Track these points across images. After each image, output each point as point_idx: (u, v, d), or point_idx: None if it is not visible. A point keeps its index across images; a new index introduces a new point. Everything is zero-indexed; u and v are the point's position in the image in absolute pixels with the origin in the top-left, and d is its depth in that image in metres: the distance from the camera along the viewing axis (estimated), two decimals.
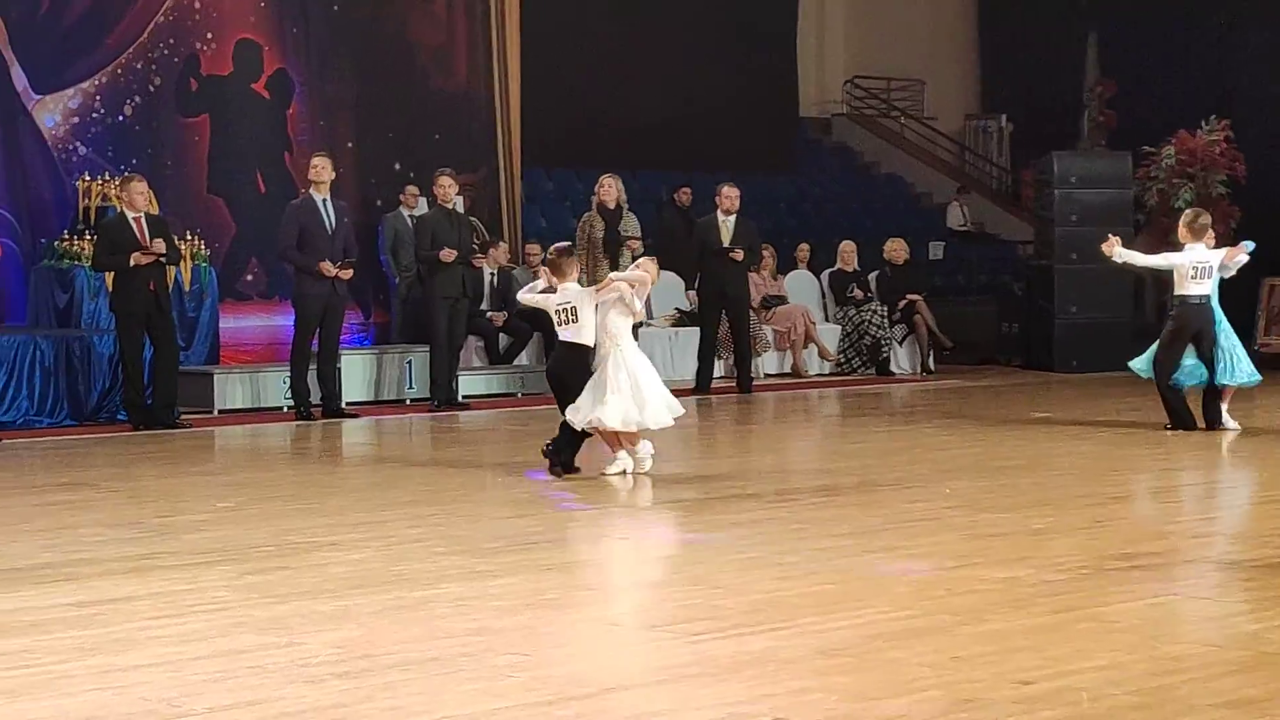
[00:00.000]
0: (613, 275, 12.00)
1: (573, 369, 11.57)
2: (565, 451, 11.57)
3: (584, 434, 11.54)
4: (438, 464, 13.07)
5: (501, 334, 19.44)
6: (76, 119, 18.01)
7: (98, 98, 18.14)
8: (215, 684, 5.92)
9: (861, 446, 13.93)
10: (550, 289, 11.77)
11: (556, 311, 11.59)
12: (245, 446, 14.60)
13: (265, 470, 12.95)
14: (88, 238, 16.69)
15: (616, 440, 11.55)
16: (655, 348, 20.30)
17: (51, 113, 17.92)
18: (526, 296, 11.98)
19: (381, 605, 7.25)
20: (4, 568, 8.33)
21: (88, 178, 17.50)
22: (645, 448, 11.59)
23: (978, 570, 7.96)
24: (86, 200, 17.39)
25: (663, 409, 11.51)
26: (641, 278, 11.74)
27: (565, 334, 11.61)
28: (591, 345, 11.57)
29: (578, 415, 11.37)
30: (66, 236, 17.03)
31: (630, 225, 18.07)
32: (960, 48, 32.09)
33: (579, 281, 11.89)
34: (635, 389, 11.37)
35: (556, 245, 12.36)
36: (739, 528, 9.29)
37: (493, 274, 19.58)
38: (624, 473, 11.48)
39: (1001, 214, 30.27)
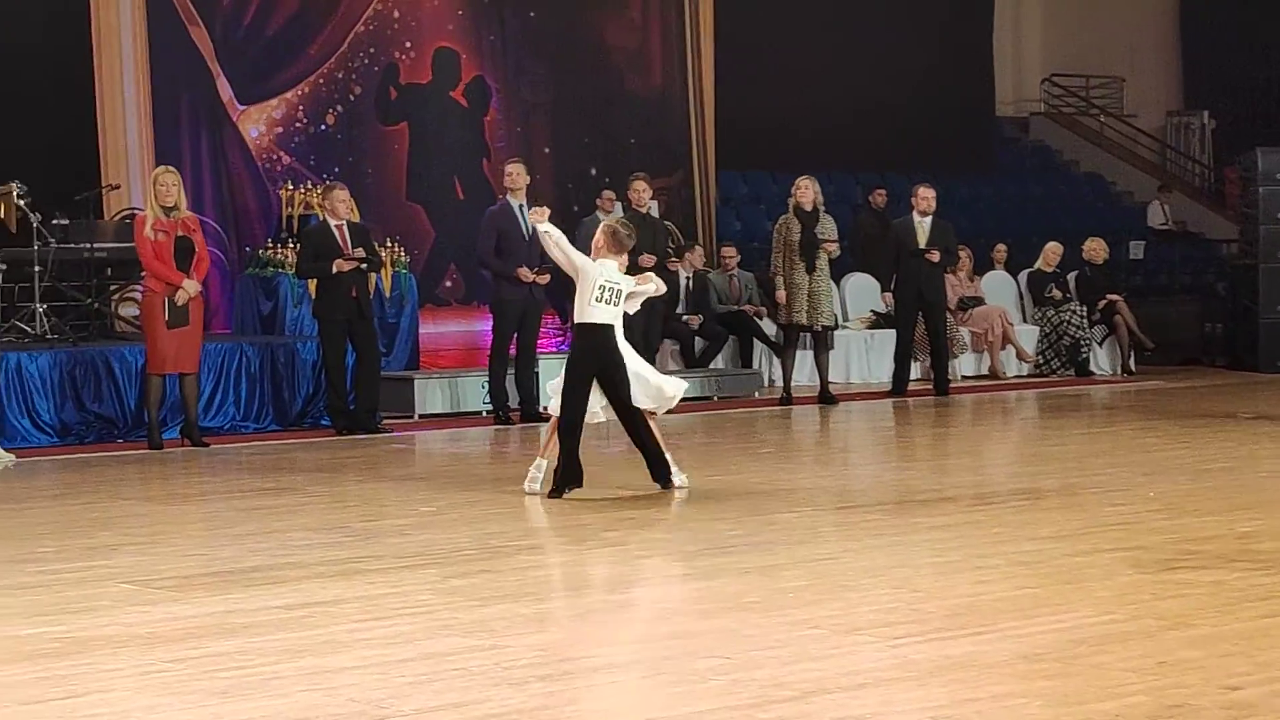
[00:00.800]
0: (649, 275, 11.44)
1: (613, 352, 10.89)
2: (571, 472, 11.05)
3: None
4: (632, 467, 13.12)
5: (697, 337, 19.47)
6: (280, 129, 18.35)
7: (300, 107, 18.46)
8: (421, 686, 6.01)
9: (1061, 449, 13.78)
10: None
11: (601, 287, 10.78)
12: (445, 451, 14.76)
13: (466, 475, 13.08)
14: (291, 245, 16.99)
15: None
16: (851, 350, 20.24)
17: (256, 123, 18.27)
18: (559, 250, 10.94)
19: (582, 608, 7.30)
20: (214, 570, 8.51)
21: (290, 186, 17.82)
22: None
23: (1183, 574, 7.85)
24: (289, 209, 17.70)
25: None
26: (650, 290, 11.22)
27: (600, 313, 10.80)
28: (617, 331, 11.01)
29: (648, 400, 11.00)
30: (270, 244, 17.35)
31: (827, 228, 18.03)
32: (1161, 43, 31.61)
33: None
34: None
35: (628, 222, 11.66)
36: (937, 531, 9.24)
37: (688, 277, 19.63)
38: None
39: (1204, 212, 29.78)
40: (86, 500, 11.29)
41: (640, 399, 10.92)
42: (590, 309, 10.79)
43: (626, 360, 10.89)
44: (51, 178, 16.02)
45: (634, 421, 10.98)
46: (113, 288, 16.65)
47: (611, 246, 10.89)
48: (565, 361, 11.16)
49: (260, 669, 6.31)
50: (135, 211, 15.24)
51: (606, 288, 10.76)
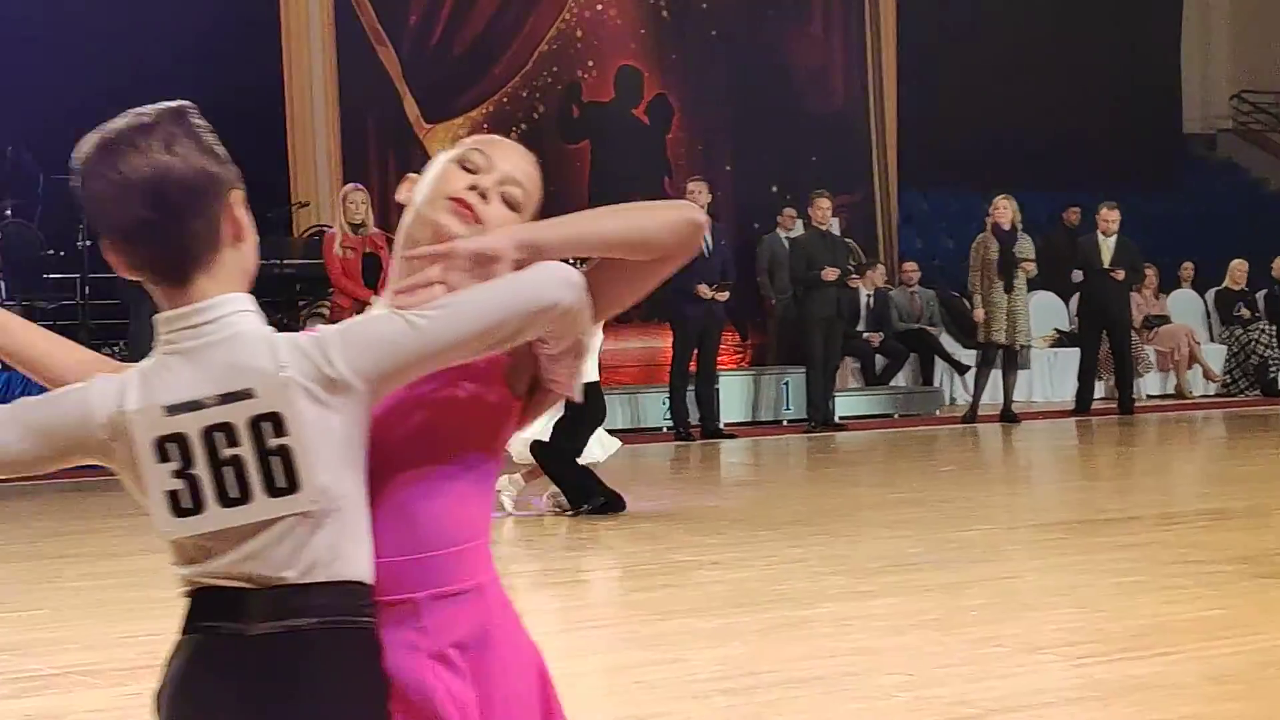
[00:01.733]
0: None
1: None
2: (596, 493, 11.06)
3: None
4: (816, 484, 13.13)
5: (878, 354, 19.42)
6: None
7: (485, 126, 18.67)
8: (604, 698, 6.06)
9: (1249, 469, 13.57)
10: None
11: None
12: (626, 466, 14.84)
13: (646, 490, 13.15)
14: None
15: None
16: (1034, 368, 20.06)
17: (442, 141, 18.49)
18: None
19: (764, 623, 7.32)
20: None
21: None
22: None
23: None
24: None
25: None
26: None
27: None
28: None
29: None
30: None
31: (1025, 247, 17.85)
32: None
33: None
34: None
35: None
36: (1122, 550, 9.15)
37: (869, 295, 19.59)
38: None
39: None
40: None
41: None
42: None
43: None
44: (248, 195, 16.29)
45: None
46: (301, 303, 16.94)
47: None
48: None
49: None
50: (324, 229, 15.51)
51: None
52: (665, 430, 16.47)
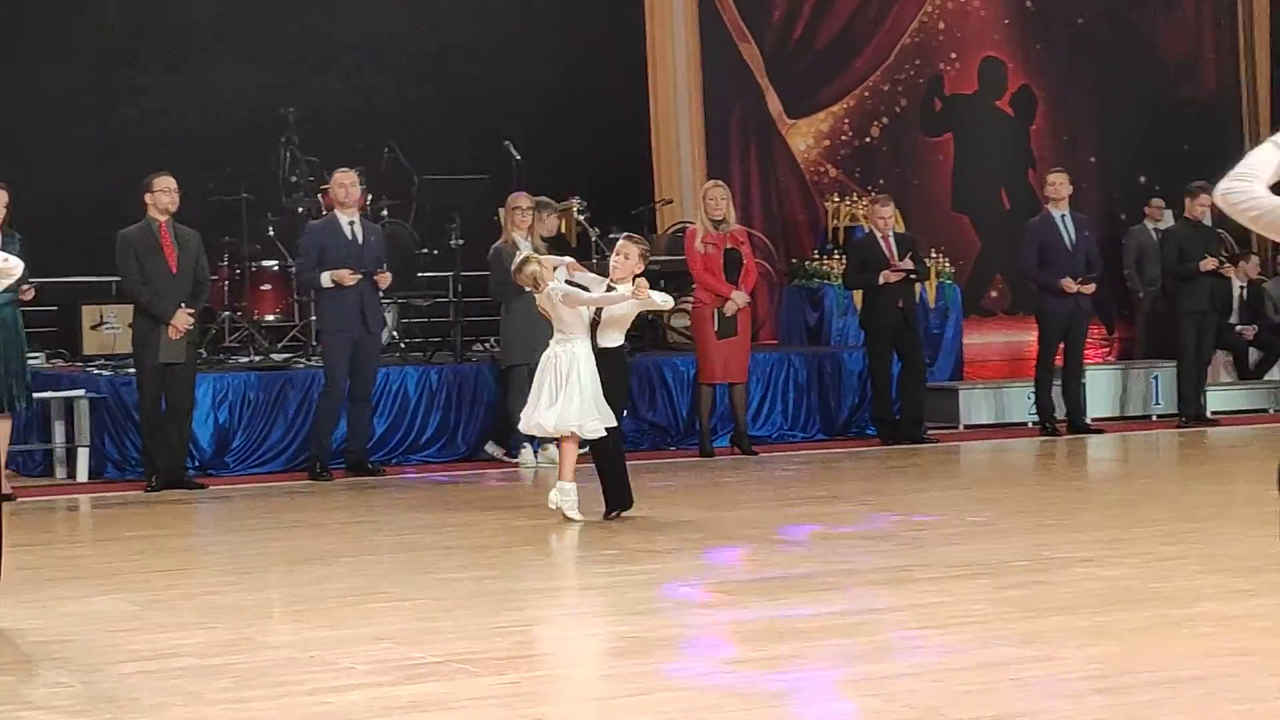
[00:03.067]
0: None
1: (604, 375, 10.70)
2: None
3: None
4: (1189, 480, 12.83)
5: (1251, 348, 18.87)
6: (827, 141, 18.57)
7: (846, 120, 18.65)
8: (977, 695, 6.02)
9: None
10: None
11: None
12: (990, 461, 14.71)
13: (1013, 485, 13.02)
14: (836, 257, 17.17)
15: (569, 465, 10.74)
16: None
17: (804, 136, 18.54)
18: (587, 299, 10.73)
19: (1141, 622, 7.19)
20: (768, 576, 8.69)
21: (836, 198, 18.03)
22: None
23: None
24: (835, 220, 17.90)
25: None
26: (569, 292, 10.69)
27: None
28: (615, 347, 10.84)
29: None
30: (816, 256, 17.58)
31: None
32: None
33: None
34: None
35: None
36: None
37: (1242, 287, 19.04)
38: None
39: None
40: (643, 506, 11.63)
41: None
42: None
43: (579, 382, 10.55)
44: (608, 193, 16.57)
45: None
46: None
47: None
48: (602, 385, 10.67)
49: (818, 673, 6.43)
50: (687, 225, 15.65)
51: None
52: (1030, 425, 16.24)
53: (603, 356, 10.67)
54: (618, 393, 10.79)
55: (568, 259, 11.28)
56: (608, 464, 10.78)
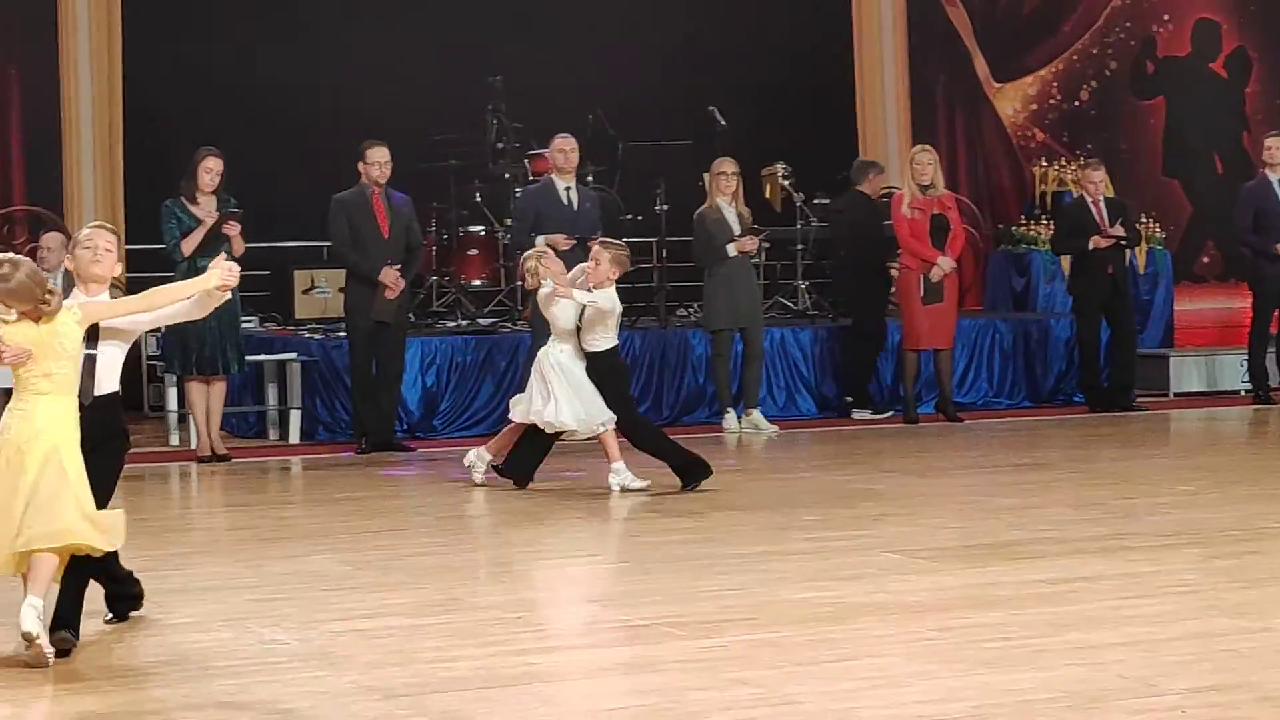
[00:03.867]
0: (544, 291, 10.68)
1: (595, 377, 10.61)
2: (528, 461, 10.73)
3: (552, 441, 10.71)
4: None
5: None
6: (1034, 105, 18.36)
7: (1054, 84, 18.42)
8: (1190, 665, 5.94)
9: None
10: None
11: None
12: (1201, 430, 14.47)
13: (1224, 454, 12.82)
14: (1044, 222, 16.97)
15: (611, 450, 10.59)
16: None
17: (1011, 100, 18.34)
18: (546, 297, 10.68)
19: None
20: (973, 543, 8.63)
21: (1044, 163, 17.82)
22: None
23: None
24: (1042, 185, 17.70)
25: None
26: (567, 294, 10.51)
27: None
28: (605, 350, 10.61)
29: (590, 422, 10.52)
30: (1023, 221, 17.39)
31: None
32: None
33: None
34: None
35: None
36: None
37: None
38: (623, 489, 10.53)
39: None
40: (848, 471, 11.62)
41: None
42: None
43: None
44: (814, 158, 16.52)
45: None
46: None
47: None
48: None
49: (1026, 641, 6.38)
50: (894, 190, 15.55)
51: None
52: (1243, 394, 15.94)
53: (592, 360, 10.56)
54: (617, 398, 10.61)
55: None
56: (650, 446, 10.71)
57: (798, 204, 15.46)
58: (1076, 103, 18.46)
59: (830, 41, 17.80)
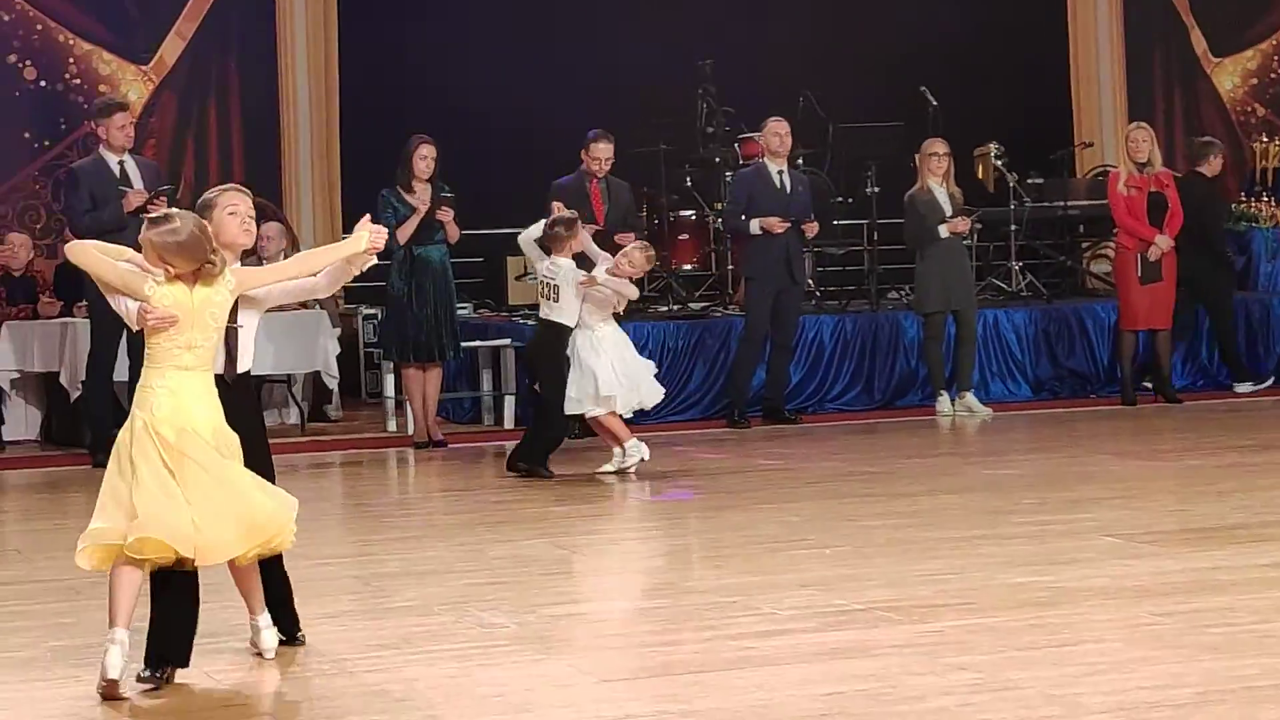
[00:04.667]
0: (599, 277, 10.75)
1: (547, 348, 10.82)
2: (539, 454, 10.79)
3: (563, 432, 10.92)
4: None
5: None
6: (1254, 80, 18.00)
7: (1275, 58, 18.04)
8: None
9: None
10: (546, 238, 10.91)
11: (541, 282, 10.82)
12: None
13: None
14: (1265, 199, 16.64)
15: (612, 434, 10.72)
16: None
17: (1230, 75, 17.99)
18: (524, 236, 11.10)
19: None
20: (1197, 527, 8.49)
21: (1265, 138, 17.46)
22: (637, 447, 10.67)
23: None
24: (1263, 161, 17.35)
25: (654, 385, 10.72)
26: (618, 286, 10.71)
27: (545, 310, 10.83)
28: (571, 327, 10.71)
29: (578, 406, 10.67)
30: (1243, 198, 17.05)
31: None
32: None
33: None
34: (617, 368, 10.60)
35: (563, 215, 11.06)
36: None
37: None
38: (621, 471, 10.65)
39: None
40: (1064, 454, 11.48)
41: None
42: (542, 304, 10.92)
43: (607, 357, 10.72)
44: (1027, 137, 16.32)
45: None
46: (1085, 245, 16.80)
47: (552, 245, 10.88)
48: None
49: (1252, 626, 6.26)
50: (1108, 168, 15.32)
51: (545, 283, 10.82)
52: None
53: (554, 329, 10.82)
54: (554, 372, 10.79)
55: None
56: (542, 430, 10.96)
57: (1011, 184, 15.28)
58: None
59: (1044, 19, 17.58)
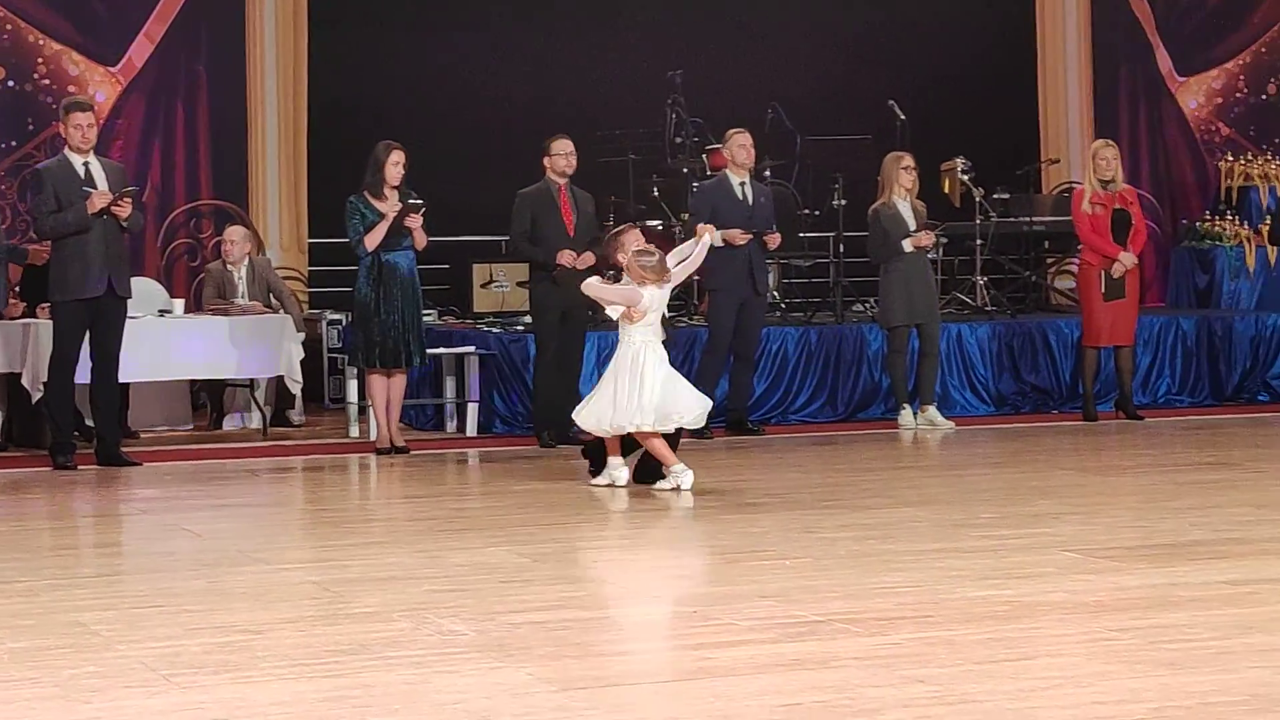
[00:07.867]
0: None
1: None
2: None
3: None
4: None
5: None
6: (1219, 99, 18.08)
7: (1240, 77, 18.13)
8: None
9: None
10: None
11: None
12: None
13: None
14: (1228, 218, 16.72)
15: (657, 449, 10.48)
16: None
17: (1194, 94, 18.07)
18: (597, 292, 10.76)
19: None
20: (1156, 543, 8.52)
21: (1229, 158, 17.55)
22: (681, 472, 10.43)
23: None
24: (1228, 180, 17.44)
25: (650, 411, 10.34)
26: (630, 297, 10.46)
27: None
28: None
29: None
30: (1207, 217, 17.14)
31: None
32: None
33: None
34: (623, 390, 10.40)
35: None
36: None
37: None
38: (612, 484, 10.57)
39: None
40: (1025, 469, 11.52)
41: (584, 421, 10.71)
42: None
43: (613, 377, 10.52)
44: (994, 153, 16.38)
45: None
46: (1049, 260, 16.87)
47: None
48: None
49: (1209, 643, 6.28)
50: (1074, 185, 15.39)
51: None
52: None
53: None
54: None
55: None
56: None
57: (977, 199, 15.34)
58: (1264, 96, 18.16)
59: (1011, 35, 17.65)
